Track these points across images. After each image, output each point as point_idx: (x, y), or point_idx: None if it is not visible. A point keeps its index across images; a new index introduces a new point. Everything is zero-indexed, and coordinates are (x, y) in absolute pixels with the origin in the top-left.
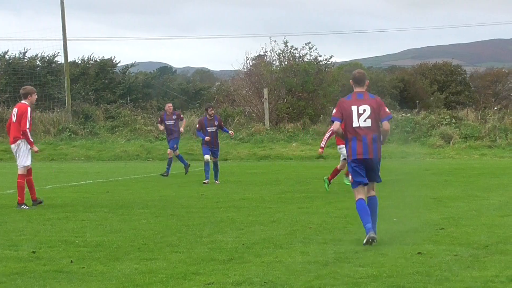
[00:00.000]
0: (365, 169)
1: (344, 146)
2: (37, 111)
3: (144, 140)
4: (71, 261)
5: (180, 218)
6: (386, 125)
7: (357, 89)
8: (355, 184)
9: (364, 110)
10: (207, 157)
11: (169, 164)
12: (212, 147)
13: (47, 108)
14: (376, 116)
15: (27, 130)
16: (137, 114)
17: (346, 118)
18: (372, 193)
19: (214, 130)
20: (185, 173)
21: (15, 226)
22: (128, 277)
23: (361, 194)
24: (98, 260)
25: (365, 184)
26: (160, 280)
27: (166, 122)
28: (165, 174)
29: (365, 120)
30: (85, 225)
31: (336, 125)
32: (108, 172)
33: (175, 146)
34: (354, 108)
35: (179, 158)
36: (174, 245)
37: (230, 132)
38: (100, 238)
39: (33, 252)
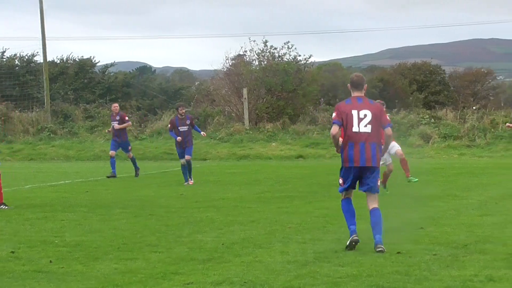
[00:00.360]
0: (361, 178)
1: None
2: (16, 111)
3: None
4: (50, 261)
5: (159, 218)
6: (389, 131)
7: (355, 94)
8: (344, 189)
9: (365, 115)
10: (183, 161)
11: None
12: (185, 145)
13: (26, 108)
14: (376, 123)
15: None
16: None
17: (345, 122)
18: (375, 205)
19: (186, 129)
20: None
21: None
22: (108, 277)
23: (348, 194)
24: (78, 260)
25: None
26: (139, 280)
27: (112, 123)
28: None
29: (365, 126)
30: (64, 225)
31: (335, 128)
32: (87, 172)
33: (129, 148)
34: (354, 112)
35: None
36: (153, 245)
37: (202, 133)
38: (79, 238)
39: (12, 252)
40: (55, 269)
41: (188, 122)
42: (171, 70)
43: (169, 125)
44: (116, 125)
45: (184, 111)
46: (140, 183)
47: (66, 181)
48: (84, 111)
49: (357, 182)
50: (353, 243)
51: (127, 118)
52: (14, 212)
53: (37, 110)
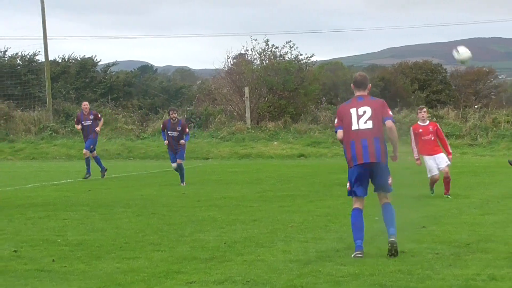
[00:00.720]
0: (370, 177)
1: (429, 157)
2: (18, 110)
3: (125, 139)
4: (53, 260)
5: (161, 217)
6: (389, 123)
7: (358, 93)
8: (352, 193)
9: (364, 112)
10: (174, 165)
11: (87, 164)
12: (175, 148)
13: (28, 107)
14: (378, 118)
15: None
16: (118, 113)
17: (345, 122)
18: (385, 200)
19: (176, 135)
20: (102, 177)
21: None
22: (110, 276)
23: (358, 202)
24: (80, 259)
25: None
26: (142, 279)
27: (83, 122)
28: (87, 176)
29: (365, 122)
30: (66, 224)
31: (340, 133)
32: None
33: (91, 146)
34: (353, 110)
35: (96, 160)
36: (155, 244)
37: (181, 141)
38: (81, 237)
39: (15, 251)
40: (58, 268)
41: (179, 128)
42: (172, 69)
43: (161, 126)
44: (97, 129)
45: (175, 115)
46: (141, 182)
47: (68, 180)
48: None
49: (364, 189)
50: (356, 258)
51: (100, 115)
52: (16, 211)
53: (39, 109)
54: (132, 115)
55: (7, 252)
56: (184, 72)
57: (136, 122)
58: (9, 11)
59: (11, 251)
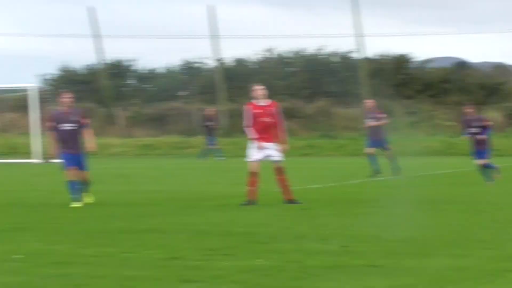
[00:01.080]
0: None
1: None
2: (337, 107)
3: (446, 135)
4: (381, 256)
5: (488, 214)
6: None
7: None
8: None
9: None
10: (477, 162)
11: (374, 163)
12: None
13: (346, 104)
14: None
15: (245, 127)
16: (436, 110)
17: None
18: None
19: (478, 131)
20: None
21: (322, 221)
22: (440, 273)
23: None
24: (408, 255)
25: None
26: (471, 277)
27: (368, 120)
28: (376, 173)
29: None
30: (392, 220)
31: None
32: (412, 168)
33: (387, 146)
34: None
35: (371, 160)
36: (483, 241)
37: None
38: (408, 233)
39: (344, 246)
40: (386, 263)
41: (476, 123)
42: (489, 65)
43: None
44: (371, 122)
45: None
46: (467, 179)
47: (393, 177)
48: (404, 106)
49: None
50: None
51: (382, 115)
52: (343, 206)
53: (357, 106)
54: (451, 111)
55: (336, 247)
56: (502, 68)
57: (455, 119)
58: (324, 9)
59: (340, 246)
